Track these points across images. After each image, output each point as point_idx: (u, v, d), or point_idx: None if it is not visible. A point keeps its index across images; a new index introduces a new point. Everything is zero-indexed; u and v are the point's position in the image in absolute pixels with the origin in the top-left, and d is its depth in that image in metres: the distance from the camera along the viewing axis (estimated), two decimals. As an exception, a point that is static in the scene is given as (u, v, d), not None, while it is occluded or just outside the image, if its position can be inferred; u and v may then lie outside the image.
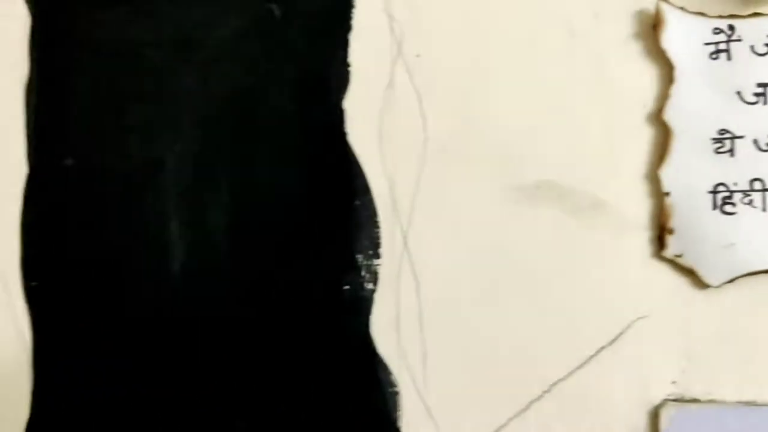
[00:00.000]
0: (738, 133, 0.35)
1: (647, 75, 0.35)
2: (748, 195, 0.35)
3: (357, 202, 0.36)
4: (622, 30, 0.35)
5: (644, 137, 0.35)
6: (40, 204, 0.36)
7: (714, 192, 0.35)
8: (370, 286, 0.36)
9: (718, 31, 0.36)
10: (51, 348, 0.36)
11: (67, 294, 0.37)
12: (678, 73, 0.35)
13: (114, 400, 0.36)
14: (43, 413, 0.36)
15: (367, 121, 0.36)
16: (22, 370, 0.36)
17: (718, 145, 0.35)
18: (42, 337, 0.36)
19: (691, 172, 0.35)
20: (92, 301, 0.36)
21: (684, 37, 0.35)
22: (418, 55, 0.36)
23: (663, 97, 0.35)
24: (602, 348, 0.35)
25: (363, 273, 0.36)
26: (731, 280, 0.35)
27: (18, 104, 0.37)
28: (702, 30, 0.35)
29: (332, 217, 0.36)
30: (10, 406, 0.36)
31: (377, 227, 0.36)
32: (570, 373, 0.35)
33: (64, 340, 0.36)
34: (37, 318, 0.36)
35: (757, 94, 0.35)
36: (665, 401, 0.35)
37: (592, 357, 0.35)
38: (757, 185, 0.35)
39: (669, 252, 0.35)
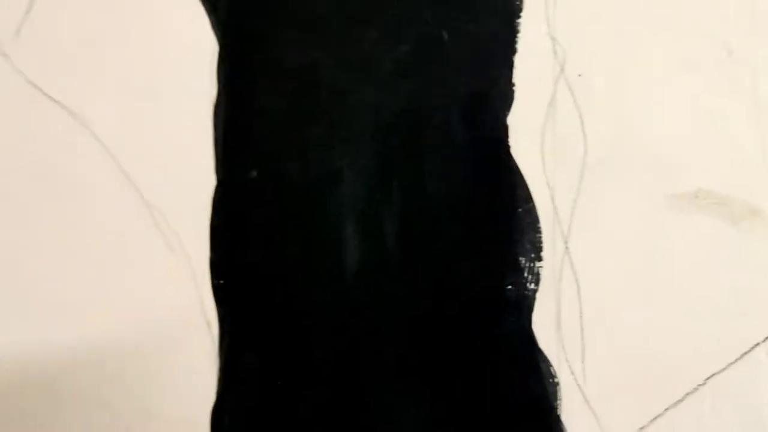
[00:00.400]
0: None
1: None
2: None
3: (520, 210, 0.40)
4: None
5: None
6: (227, 212, 0.41)
7: None
8: (532, 286, 0.40)
9: None
10: (235, 338, 0.40)
11: (250, 291, 0.41)
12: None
13: (291, 388, 0.40)
14: (228, 396, 0.40)
15: (530, 135, 0.40)
16: (209, 357, 0.41)
17: None
18: (227, 328, 0.40)
19: None
20: (272, 298, 0.40)
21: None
22: (579, 75, 0.40)
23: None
24: (756, 345, 0.38)
25: (525, 274, 0.40)
26: None
27: (207, 123, 0.42)
28: None
29: (496, 222, 0.39)
30: (198, 390, 0.40)
31: (539, 232, 0.40)
32: (724, 369, 0.38)
33: (247, 331, 0.40)
34: (223, 312, 0.40)
35: None
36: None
37: (745, 353, 0.38)
38: None
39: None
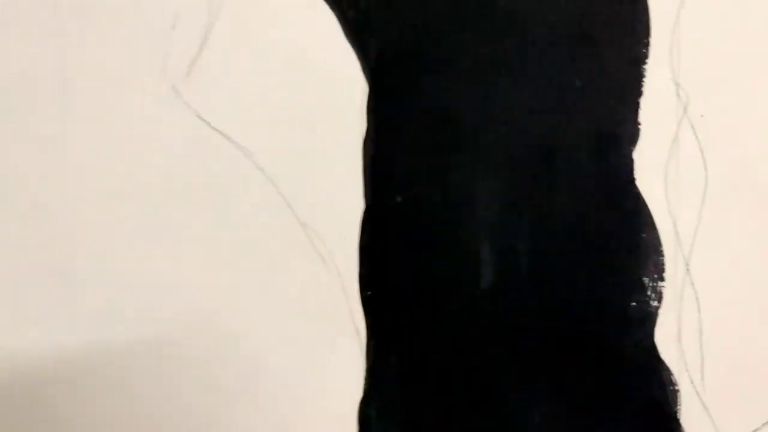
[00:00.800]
0: None
1: None
2: None
3: (643, 235, 0.44)
4: None
5: None
6: (374, 232, 0.46)
7: None
8: (654, 303, 0.44)
9: None
10: (379, 343, 0.45)
11: (394, 302, 0.46)
12: None
13: (428, 386, 0.45)
14: (373, 393, 0.45)
15: (654, 169, 0.44)
16: (357, 359, 0.46)
17: None
18: (373, 334, 0.45)
19: None
20: (413, 308, 0.45)
21: None
22: (702, 116, 0.45)
23: None
24: None
25: (649, 293, 0.44)
26: None
27: (357, 153, 0.47)
28: None
29: (622, 246, 0.44)
30: (347, 388, 0.46)
31: (662, 255, 0.44)
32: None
33: (390, 337, 0.45)
34: (369, 320, 0.45)
35: None
36: None
37: None
38: None
39: None
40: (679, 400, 0.43)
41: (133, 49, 0.49)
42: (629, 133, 0.45)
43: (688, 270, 0.44)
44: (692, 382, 0.44)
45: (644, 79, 0.45)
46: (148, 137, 0.49)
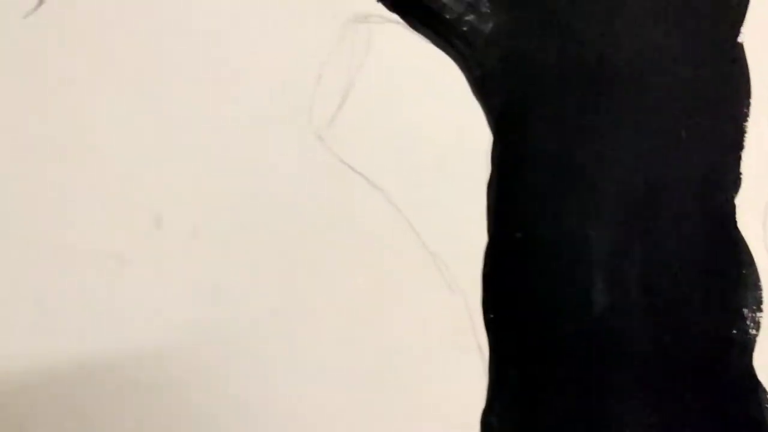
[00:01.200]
0: None
1: None
2: None
3: (744, 271, 0.50)
4: None
5: None
6: (496, 262, 0.51)
7: None
8: (753, 331, 0.49)
9: None
10: (500, 358, 0.51)
11: (514, 324, 0.51)
12: None
13: (545, 399, 0.50)
14: (495, 404, 0.51)
15: (754, 212, 0.50)
16: (480, 373, 0.52)
17: None
18: (494, 350, 0.51)
19: None
20: (531, 329, 0.51)
21: None
22: None
23: None
24: None
25: (748, 322, 0.50)
26: None
27: (482, 194, 0.53)
28: None
29: (724, 281, 0.49)
30: (471, 399, 0.52)
31: (760, 289, 0.50)
32: None
33: (510, 353, 0.51)
34: (491, 338, 0.51)
35: None
36: None
37: None
38: None
39: None
40: (776, 418, 0.49)
41: (283, 101, 0.56)
42: (731, 181, 0.50)
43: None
44: (788, 403, 0.49)
45: (746, 134, 0.51)
46: (295, 178, 0.56)
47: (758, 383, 0.49)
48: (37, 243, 0.57)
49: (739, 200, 0.51)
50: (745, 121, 0.51)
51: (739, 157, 0.51)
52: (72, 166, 0.57)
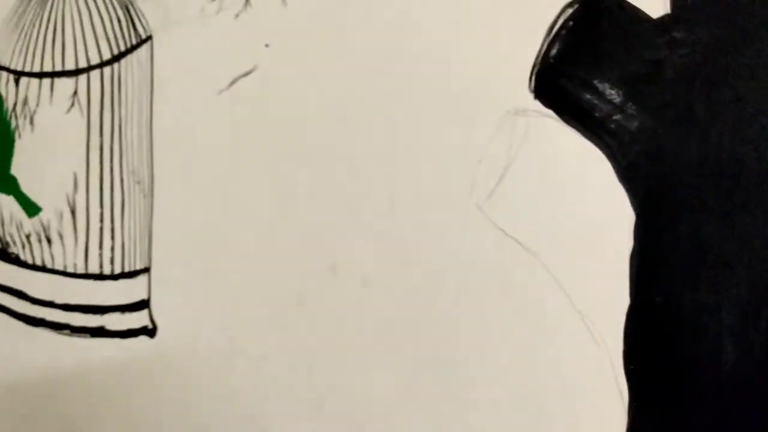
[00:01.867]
0: None
1: None
2: None
3: None
4: None
5: None
6: (636, 323, 0.60)
7: None
8: None
9: None
10: (639, 404, 0.60)
11: (652, 375, 0.61)
12: None
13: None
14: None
15: None
16: (619, 416, 0.62)
17: None
18: (634, 397, 0.61)
19: None
20: (667, 381, 0.60)
21: None
22: None
23: None
24: None
25: None
26: None
27: (625, 263, 0.62)
28: None
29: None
30: None
31: None
32: None
33: (647, 400, 0.61)
34: (631, 386, 0.61)
35: None
36: None
37: None
38: None
39: None
40: None
41: (448, 177, 0.64)
42: None
43: None
44: None
45: None
46: (455, 242, 0.65)
47: None
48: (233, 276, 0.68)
49: None
50: None
51: None
52: (267, 219, 0.67)
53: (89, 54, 0.71)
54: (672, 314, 0.60)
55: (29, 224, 0.73)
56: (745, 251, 0.58)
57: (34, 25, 0.72)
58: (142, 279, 0.72)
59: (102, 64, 0.71)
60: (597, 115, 0.60)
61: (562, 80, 0.59)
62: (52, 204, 0.72)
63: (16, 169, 0.73)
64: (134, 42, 0.70)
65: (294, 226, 0.66)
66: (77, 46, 0.71)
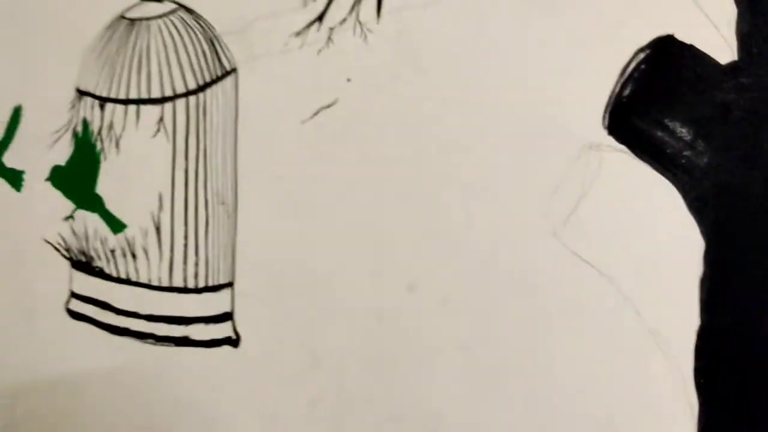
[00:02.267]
0: None
1: None
2: None
3: None
4: None
5: None
6: (706, 341, 0.64)
7: None
8: None
9: None
10: (708, 417, 0.65)
11: (721, 389, 0.65)
12: None
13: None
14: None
15: None
16: (690, 429, 0.66)
17: None
18: (703, 410, 0.65)
19: None
20: (736, 394, 0.64)
21: None
22: None
23: None
24: None
25: None
26: None
27: (694, 290, 0.65)
28: None
29: None
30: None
31: None
32: None
33: (718, 414, 0.65)
34: (701, 399, 0.65)
35: None
36: None
37: None
38: None
39: None
40: None
41: (525, 206, 0.68)
42: None
43: None
44: None
45: None
46: (532, 265, 0.68)
47: None
48: (313, 293, 0.71)
49: None
50: None
51: None
52: (347, 239, 0.70)
53: (175, 83, 0.73)
54: (739, 333, 0.64)
55: (114, 240, 0.75)
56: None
57: (118, 55, 0.74)
58: (225, 293, 0.74)
59: (188, 93, 0.73)
60: (668, 151, 0.63)
61: (634, 118, 0.62)
62: (137, 221, 0.75)
63: (101, 189, 0.75)
64: (219, 73, 0.73)
65: (373, 246, 0.70)
66: (162, 75, 0.74)
